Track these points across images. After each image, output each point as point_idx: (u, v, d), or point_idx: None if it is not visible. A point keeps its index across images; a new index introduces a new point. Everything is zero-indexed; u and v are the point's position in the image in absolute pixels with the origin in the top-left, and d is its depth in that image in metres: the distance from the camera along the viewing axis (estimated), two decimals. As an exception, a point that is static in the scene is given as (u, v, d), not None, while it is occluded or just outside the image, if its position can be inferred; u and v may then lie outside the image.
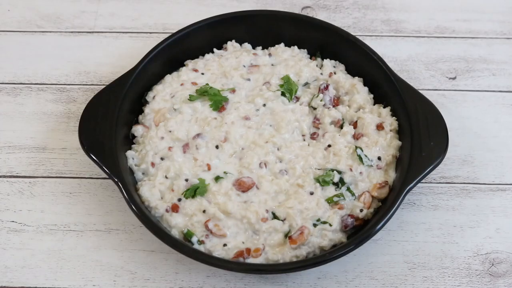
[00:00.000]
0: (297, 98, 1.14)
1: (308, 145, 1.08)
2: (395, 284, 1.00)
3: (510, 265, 1.02)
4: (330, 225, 0.98)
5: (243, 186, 1.02)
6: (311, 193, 1.02)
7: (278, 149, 1.06)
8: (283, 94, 1.13)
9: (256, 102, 1.12)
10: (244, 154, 1.06)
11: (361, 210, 1.00)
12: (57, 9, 1.35)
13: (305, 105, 1.12)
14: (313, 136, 1.10)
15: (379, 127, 1.08)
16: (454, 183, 1.11)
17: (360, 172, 1.03)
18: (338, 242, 0.98)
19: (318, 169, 1.04)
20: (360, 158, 1.04)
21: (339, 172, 1.03)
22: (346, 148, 1.06)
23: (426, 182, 1.10)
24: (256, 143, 1.07)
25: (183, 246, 0.95)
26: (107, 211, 1.07)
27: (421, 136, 1.02)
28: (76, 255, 1.02)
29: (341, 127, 1.09)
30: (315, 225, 0.98)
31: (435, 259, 1.02)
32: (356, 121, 1.09)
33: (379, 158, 1.05)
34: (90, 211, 1.07)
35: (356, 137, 1.08)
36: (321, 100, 1.12)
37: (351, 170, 1.03)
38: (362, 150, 1.05)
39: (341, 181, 1.03)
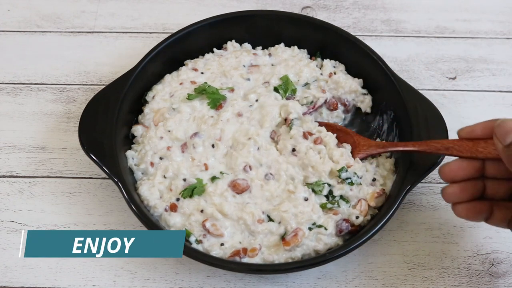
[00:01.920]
0: (294, 98, 1.14)
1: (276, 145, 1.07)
2: (395, 284, 1.00)
3: (510, 265, 1.01)
4: (326, 229, 0.98)
5: (237, 188, 1.02)
6: (306, 199, 1.01)
7: (258, 149, 1.05)
8: (275, 89, 1.12)
9: (250, 98, 1.11)
10: (231, 154, 1.05)
11: (357, 217, 1.00)
12: (57, 9, 1.35)
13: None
14: (273, 134, 1.08)
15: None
16: (454, 183, 1.11)
17: (351, 189, 1.02)
18: (334, 246, 0.98)
19: (307, 182, 1.03)
20: (350, 181, 1.02)
21: (329, 185, 1.02)
22: (321, 160, 1.03)
23: (426, 182, 1.10)
24: (238, 140, 1.06)
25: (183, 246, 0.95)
26: (107, 211, 1.07)
27: (421, 136, 1.02)
28: (76, 255, 1.02)
29: (290, 127, 1.07)
30: (310, 228, 0.98)
31: (435, 259, 1.02)
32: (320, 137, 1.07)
33: (374, 180, 1.04)
34: (90, 211, 1.07)
35: (315, 142, 1.05)
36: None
37: (339, 183, 1.02)
38: (347, 170, 1.02)
39: (331, 194, 1.02)
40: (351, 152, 1.06)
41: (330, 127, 1.09)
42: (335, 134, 1.07)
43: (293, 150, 1.04)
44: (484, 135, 0.86)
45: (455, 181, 0.89)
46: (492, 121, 0.85)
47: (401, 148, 0.99)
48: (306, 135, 1.06)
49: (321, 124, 1.09)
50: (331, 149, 1.04)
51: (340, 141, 1.07)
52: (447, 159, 0.93)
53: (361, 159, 1.04)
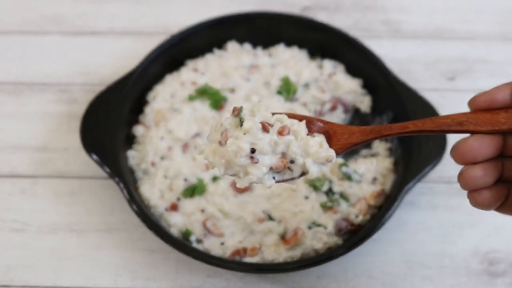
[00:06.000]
0: (296, 100, 1.14)
1: None
2: (394, 283, 1.00)
3: (509, 264, 1.02)
4: (325, 228, 0.98)
5: (239, 188, 1.02)
6: (306, 197, 1.02)
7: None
8: (279, 92, 1.13)
9: (252, 100, 1.12)
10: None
11: (357, 216, 1.00)
12: (58, 10, 1.36)
13: (301, 106, 1.12)
14: None
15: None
16: (453, 183, 1.11)
17: (350, 186, 1.03)
18: (334, 245, 0.98)
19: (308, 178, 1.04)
20: (349, 177, 1.03)
21: (330, 181, 1.03)
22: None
23: (426, 182, 1.11)
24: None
25: (184, 246, 0.95)
26: (108, 211, 1.07)
27: (420, 136, 1.03)
28: (77, 255, 1.03)
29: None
30: (310, 227, 0.99)
31: (434, 258, 1.03)
32: None
33: (374, 179, 1.04)
34: (91, 210, 1.08)
35: (281, 132, 0.88)
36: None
37: (339, 179, 1.03)
38: (348, 166, 1.04)
39: (331, 191, 1.03)
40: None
41: (288, 116, 0.78)
42: (304, 121, 0.77)
43: (253, 151, 0.74)
44: (503, 103, 0.69)
45: (475, 162, 0.68)
46: (509, 84, 0.69)
47: (398, 131, 0.75)
48: (266, 126, 0.75)
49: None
50: (304, 139, 0.75)
51: (309, 132, 0.78)
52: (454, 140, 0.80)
53: (344, 152, 0.77)
